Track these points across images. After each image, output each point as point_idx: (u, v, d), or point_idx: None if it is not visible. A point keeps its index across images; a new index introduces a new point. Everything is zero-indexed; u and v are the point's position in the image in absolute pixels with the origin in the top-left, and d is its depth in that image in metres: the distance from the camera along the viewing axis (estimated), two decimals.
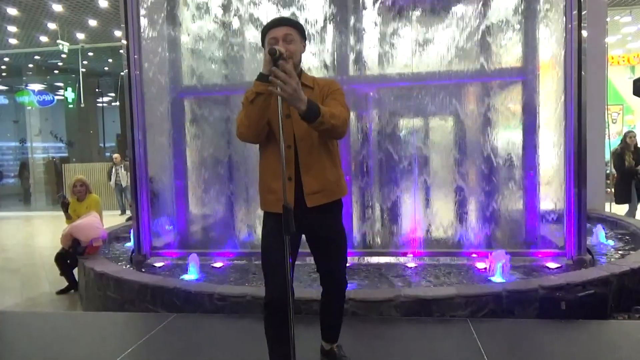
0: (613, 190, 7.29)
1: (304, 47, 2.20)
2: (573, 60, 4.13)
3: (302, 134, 2.09)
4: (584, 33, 4.10)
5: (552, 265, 4.21)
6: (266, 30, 2.12)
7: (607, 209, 7.03)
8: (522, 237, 4.63)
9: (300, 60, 2.16)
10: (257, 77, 1.98)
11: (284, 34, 2.07)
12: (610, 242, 4.99)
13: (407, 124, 4.76)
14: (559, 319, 3.15)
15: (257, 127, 2.03)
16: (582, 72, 4.10)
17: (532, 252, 4.42)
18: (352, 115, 4.74)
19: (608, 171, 8.04)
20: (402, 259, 4.57)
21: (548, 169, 4.53)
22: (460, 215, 4.70)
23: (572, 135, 4.18)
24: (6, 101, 17.84)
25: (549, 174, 4.53)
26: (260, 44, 2.23)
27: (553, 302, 3.22)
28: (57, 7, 10.28)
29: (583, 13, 4.10)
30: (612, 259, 4.30)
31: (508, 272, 3.89)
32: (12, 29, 11.78)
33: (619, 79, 13.03)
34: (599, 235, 5.01)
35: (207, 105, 5.04)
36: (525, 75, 4.54)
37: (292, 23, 2.13)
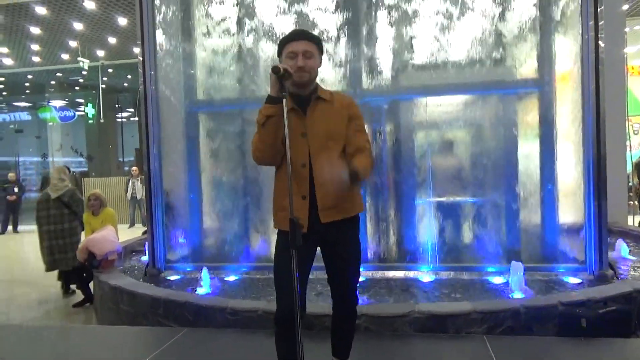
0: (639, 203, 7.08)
1: (321, 61, 2.19)
2: (590, 71, 4.06)
3: (317, 150, 2.08)
4: (601, 44, 4.04)
5: (572, 280, 4.10)
6: (285, 42, 2.11)
7: (629, 222, 6.85)
8: (541, 251, 4.52)
9: (316, 75, 2.15)
10: (266, 100, 1.99)
11: (304, 50, 2.06)
12: (633, 257, 4.84)
13: (421, 136, 4.71)
14: (579, 337, 3.05)
15: (272, 149, 2.06)
16: (600, 83, 4.03)
17: (552, 267, 4.31)
18: (366, 127, 4.70)
19: (631, 183, 7.85)
20: (416, 274, 4.49)
21: (567, 182, 4.43)
22: (477, 229, 4.61)
23: (591, 147, 4.09)
24: (29, 117, 18.31)
25: (568, 187, 4.43)
26: (276, 55, 2.22)
27: (573, 319, 3.11)
28: (78, 26, 10.56)
29: (600, 24, 4.04)
30: (635, 274, 4.16)
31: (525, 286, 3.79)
32: (35, 47, 12.12)
33: None
34: (622, 250, 4.86)
35: (221, 119, 5.08)
36: (541, 87, 4.48)
37: (311, 37, 2.12)
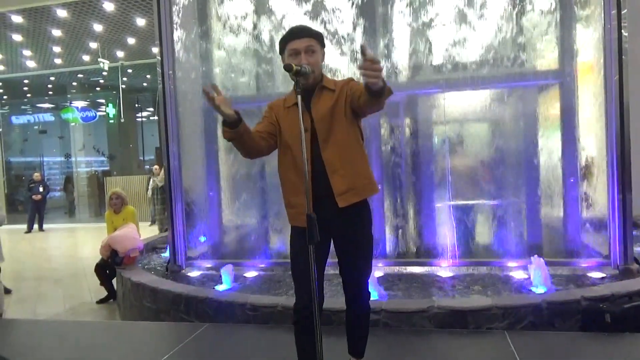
0: None
1: (324, 55, 2.17)
2: (614, 62, 3.97)
3: (325, 137, 2.05)
4: (625, 33, 3.94)
5: (596, 275, 4.02)
6: (286, 40, 2.08)
7: None
8: (563, 245, 4.45)
9: (320, 70, 2.14)
10: (222, 123, 1.97)
11: (306, 46, 2.04)
12: None
13: (440, 130, 4.67)
14: (603, 332, 2.99)
15: (249, 153, 2.13)
16: (624, 74, 3.93)
17: (575, 261, 4.24)
18: (384, 122, 4.70)
19: None
20: (436, 269, 4.46)
21: (590, 174, 4.34)
22: (498, 223, 4.55)
23: (615, 139, 4.00)
24: (52, 118, 18.67)
25: (592, 179, 4.34)
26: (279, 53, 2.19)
27: (597, 314, 3.06)
28: (98, 27, 10.71)
29: (623, 12, 3.94)
30: None
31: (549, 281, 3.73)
32: (56, 49, 12.34)
33: None
34: None
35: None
36: (562, 78, 4.39)
37: (312, 33, 2.08)
